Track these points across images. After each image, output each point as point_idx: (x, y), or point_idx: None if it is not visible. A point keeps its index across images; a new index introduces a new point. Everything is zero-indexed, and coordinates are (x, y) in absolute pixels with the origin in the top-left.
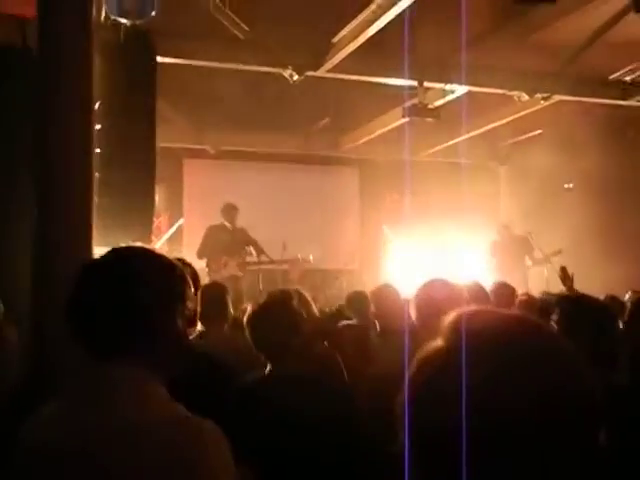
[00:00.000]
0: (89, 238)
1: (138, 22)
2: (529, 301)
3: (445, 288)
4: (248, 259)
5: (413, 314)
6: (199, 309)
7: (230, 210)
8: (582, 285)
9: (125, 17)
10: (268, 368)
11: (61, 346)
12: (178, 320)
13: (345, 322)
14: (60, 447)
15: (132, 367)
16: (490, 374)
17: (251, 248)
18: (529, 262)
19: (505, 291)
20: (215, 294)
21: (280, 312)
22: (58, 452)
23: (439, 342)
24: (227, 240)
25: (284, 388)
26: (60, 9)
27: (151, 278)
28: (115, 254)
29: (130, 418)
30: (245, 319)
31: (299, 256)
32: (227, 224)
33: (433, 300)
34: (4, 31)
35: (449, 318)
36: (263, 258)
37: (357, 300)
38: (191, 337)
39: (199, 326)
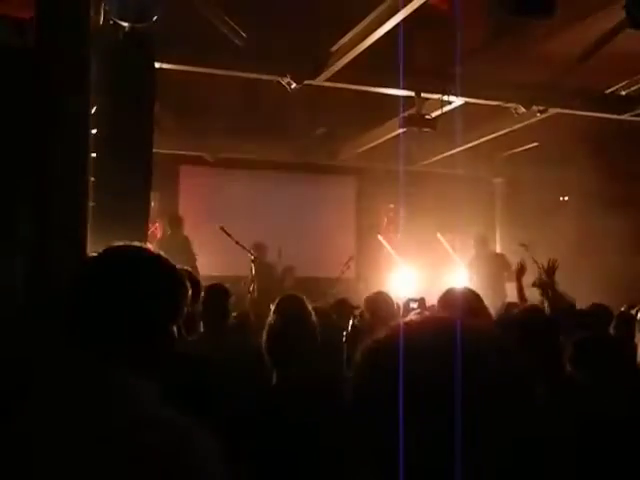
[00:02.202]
0: (84, 242)
1: (139, 26)
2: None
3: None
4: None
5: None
6: (200, 310)
7: (178, 220)
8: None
9: (126, 20)
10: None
11: (55, 345)
12: (171, 321)
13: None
14: (45, 445)
15: (121, 365)
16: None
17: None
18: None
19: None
20: (216, 296)
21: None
22: (41, 450)
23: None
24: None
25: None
26: (58, 11)
27: (147, 277)
28: (113, 251)
29: (116, 417)
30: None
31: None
32: (172, 234)
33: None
34: (2, 32)
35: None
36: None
37: (342, 308)
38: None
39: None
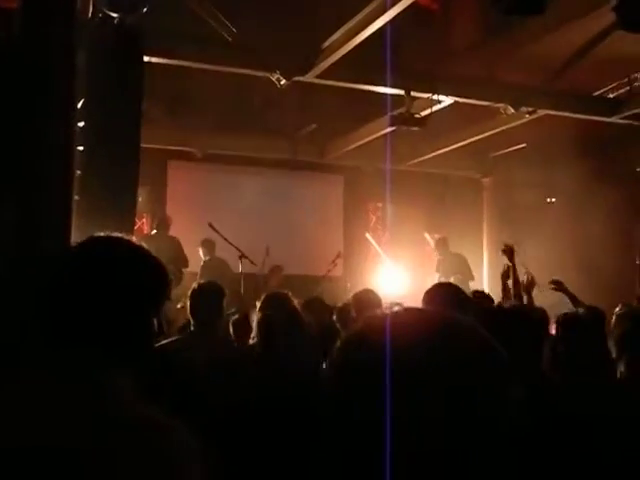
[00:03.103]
0: (68, 236)
1: (129, 17)
2: None
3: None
4: None
5: None
6: (190, 308)
7: (167, 221)
8: (559, 298)
9: (116, 11)
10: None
11: (35, 338)
12: (152, 317)
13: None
14: (15, 442)
15: (98, 359)
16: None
17: None
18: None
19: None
20: (209, 295)
21: None
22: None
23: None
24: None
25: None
26: (44, 2)
27: (128, 267)
28: (94, 241)
29: (92, 413)
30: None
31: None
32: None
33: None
34: None
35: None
36: None
37: (314, 306)
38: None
39: (192, 326)
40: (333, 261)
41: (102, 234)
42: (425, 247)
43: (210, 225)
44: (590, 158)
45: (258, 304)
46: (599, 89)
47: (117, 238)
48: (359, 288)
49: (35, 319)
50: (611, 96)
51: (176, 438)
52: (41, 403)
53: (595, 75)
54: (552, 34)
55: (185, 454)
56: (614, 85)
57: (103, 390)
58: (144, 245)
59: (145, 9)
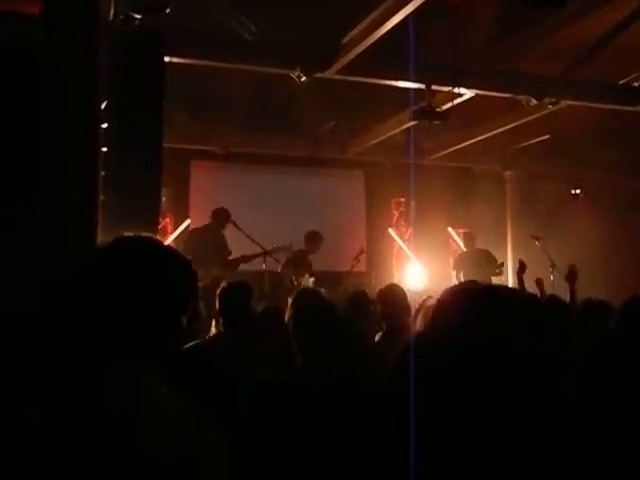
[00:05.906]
0: (94, 236)
1: (151, 18)
2: None
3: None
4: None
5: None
6: (218, 308)
7: (224, 216)
8: (584, 292)
9: (139, 12)
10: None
11: (62, 341)
12: (182, 315)
13: None
14: (54, 440)
15: (131, 359)
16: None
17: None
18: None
19: None
20: (237, 294)
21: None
22: (52, 444)
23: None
24: (212, 243)
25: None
26: (65, 6)
27: (157, 267)
28: (122, 241)
29: (127, 411)
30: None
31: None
32: (214, 227)
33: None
34: (9, 29)
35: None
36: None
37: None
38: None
39: (214, 328)
40: (356, 257)
41: (130, 234)
42: (449, 241)
43: (233, 222)
44: (616, 148)
45: (290, 300)
46: (623, 78)
47: (144, 238)
48: (384, 283)
49: (63, 319)
50: (636, 84)
51: (209, 432)
52: (84, 405)
53: (619, 64)
54: (574, 24)
55: (218, 448)
56: (638, 74)
57: (138, 386)
58: (172, 244)
59: (168, 10)
